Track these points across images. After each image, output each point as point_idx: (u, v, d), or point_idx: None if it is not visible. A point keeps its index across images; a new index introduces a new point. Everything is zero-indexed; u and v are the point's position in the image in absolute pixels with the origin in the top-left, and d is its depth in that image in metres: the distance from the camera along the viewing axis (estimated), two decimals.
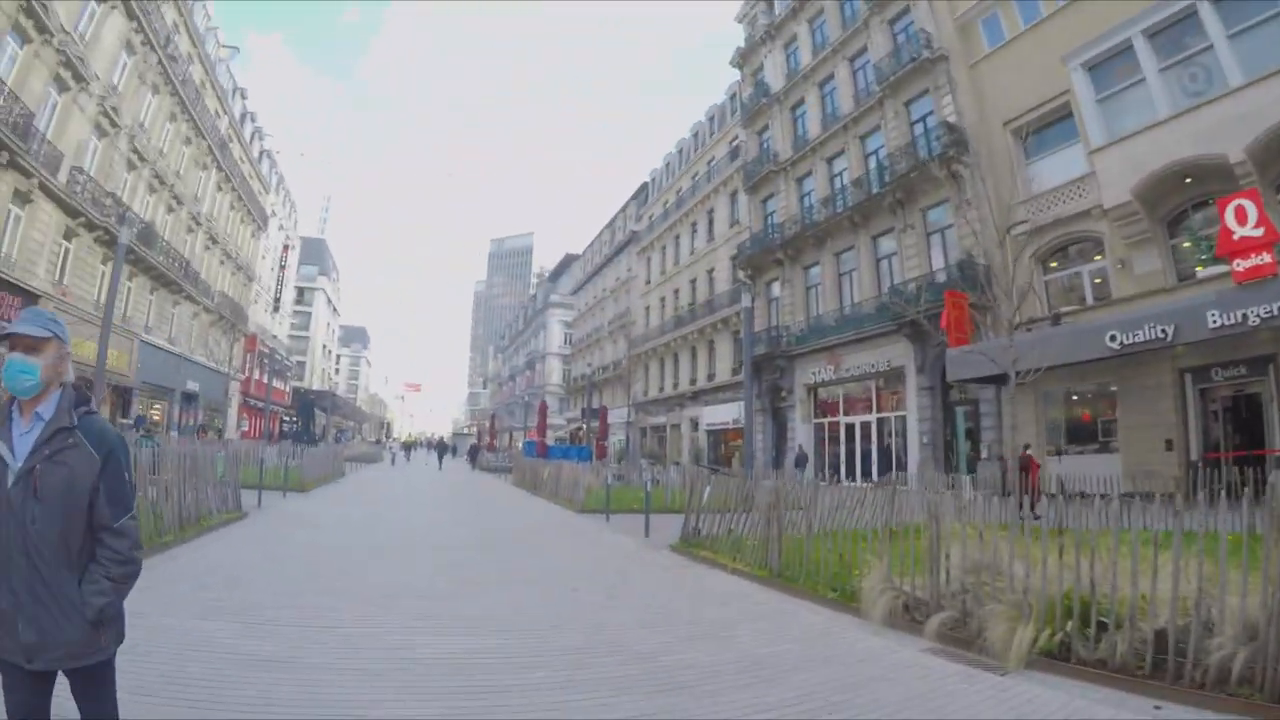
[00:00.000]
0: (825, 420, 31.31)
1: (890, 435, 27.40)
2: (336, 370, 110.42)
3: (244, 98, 46.83)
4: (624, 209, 63.26)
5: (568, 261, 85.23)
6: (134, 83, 29.13)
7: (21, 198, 22.24)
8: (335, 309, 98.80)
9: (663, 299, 50.33)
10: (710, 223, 44.66)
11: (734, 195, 41.81)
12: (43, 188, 22.83)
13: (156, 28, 29.96)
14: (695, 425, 43.23)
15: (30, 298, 22.19)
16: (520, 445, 57.62)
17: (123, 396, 29.84)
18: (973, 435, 24.19)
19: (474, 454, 54.21)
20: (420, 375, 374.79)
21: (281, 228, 60.19)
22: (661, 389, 48.41)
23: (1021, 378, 15.94)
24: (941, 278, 25.00)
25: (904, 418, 26.53)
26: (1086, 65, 20.57)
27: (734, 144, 42.65)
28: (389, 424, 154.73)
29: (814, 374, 31.50)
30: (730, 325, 39.70)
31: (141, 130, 30.11)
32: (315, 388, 74.79)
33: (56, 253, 24.59)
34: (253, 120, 49.29)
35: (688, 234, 47.69)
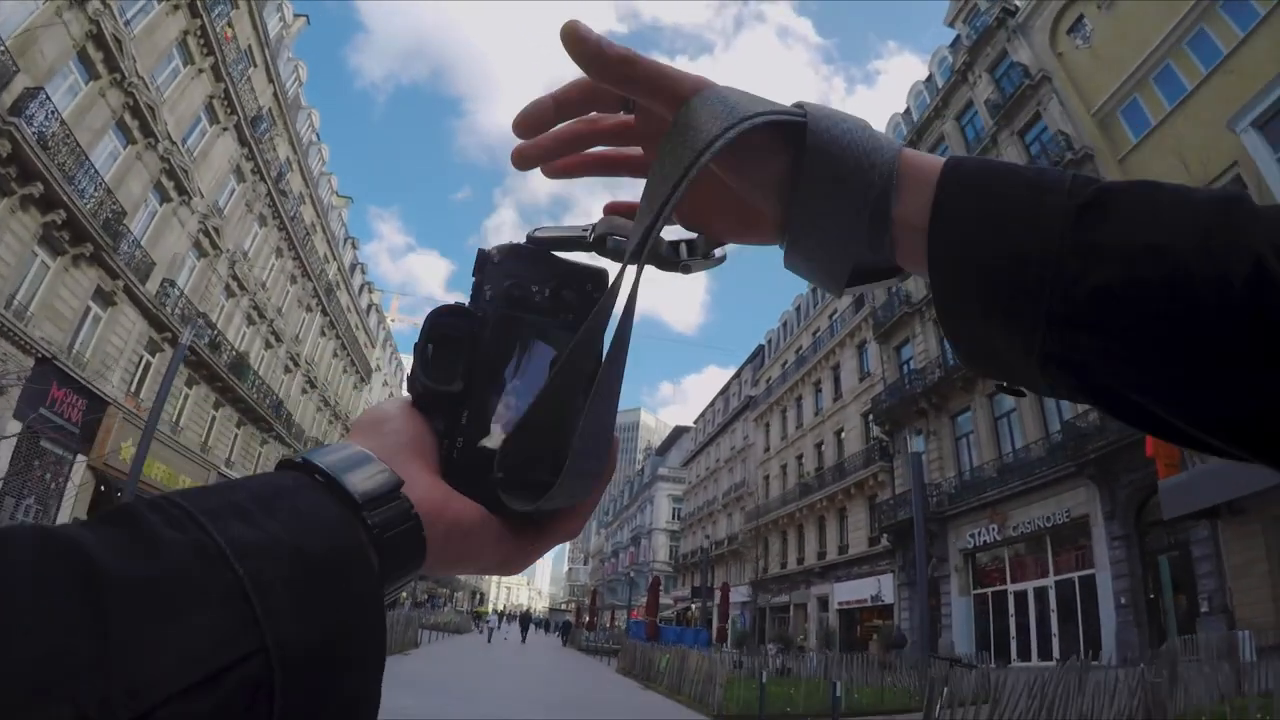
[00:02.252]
0: (988, 590, 26.88)
1: (1075, 600, 22.89)
2: None
3: (355, 247, 48.47)
4: (738, 374, 61.54)
5: (677, 434, 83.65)
6: (240, 209, 29.72)
7: (104, 298, 21.83)
8: None
9: (784, 466, 47.04)
10: (836, 379, 41.96)
11: (861, 347, 39.36)
12: (128, 291, 22.47)
13: (268, 159, 30.90)
14: (824, 604, 38.71)
15: (97, 402, 21.27)
16: (624, 625, 53.87)
17: None
18: (1182, 587, 19.82)
19: (566, 630, 54.34)
20: None
21: (386, 384, 60.82)
22: (784, 564, 44.16)
23: None
24: None
25: (1090, 577, 22.17)
26: (1258, 123, 18.23)
27: (858, 293, 40.54)
28: (482, 594, 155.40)
29: (972, 537, 27.49)
30: (865, 490, 35.96)
31: (244, 258, 30.44)
32: None
33: (135, 363, 23.94)
34: (363, 272, 50.78)
35: (811, 394, 45.05)
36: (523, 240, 0.59)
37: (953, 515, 28.69)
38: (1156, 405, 0.44)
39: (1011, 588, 25.63)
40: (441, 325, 0.55)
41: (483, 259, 0.58)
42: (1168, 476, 18.27)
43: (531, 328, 0.56)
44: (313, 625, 0.33)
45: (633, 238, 0.52)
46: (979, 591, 27.30)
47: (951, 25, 33.81)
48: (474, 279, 0.58)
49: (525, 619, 55.74)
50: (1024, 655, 23.79)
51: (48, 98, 17.78)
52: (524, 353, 0.56)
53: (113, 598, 0.28)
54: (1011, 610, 25.41)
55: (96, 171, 20.04)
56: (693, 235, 0.62)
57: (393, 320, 67.25)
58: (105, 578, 0.28)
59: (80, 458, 20.97)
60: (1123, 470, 20.91)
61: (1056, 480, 23.56)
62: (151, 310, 23.71)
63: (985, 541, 26.84)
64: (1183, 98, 21.36)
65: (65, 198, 18.59)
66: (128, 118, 21.54)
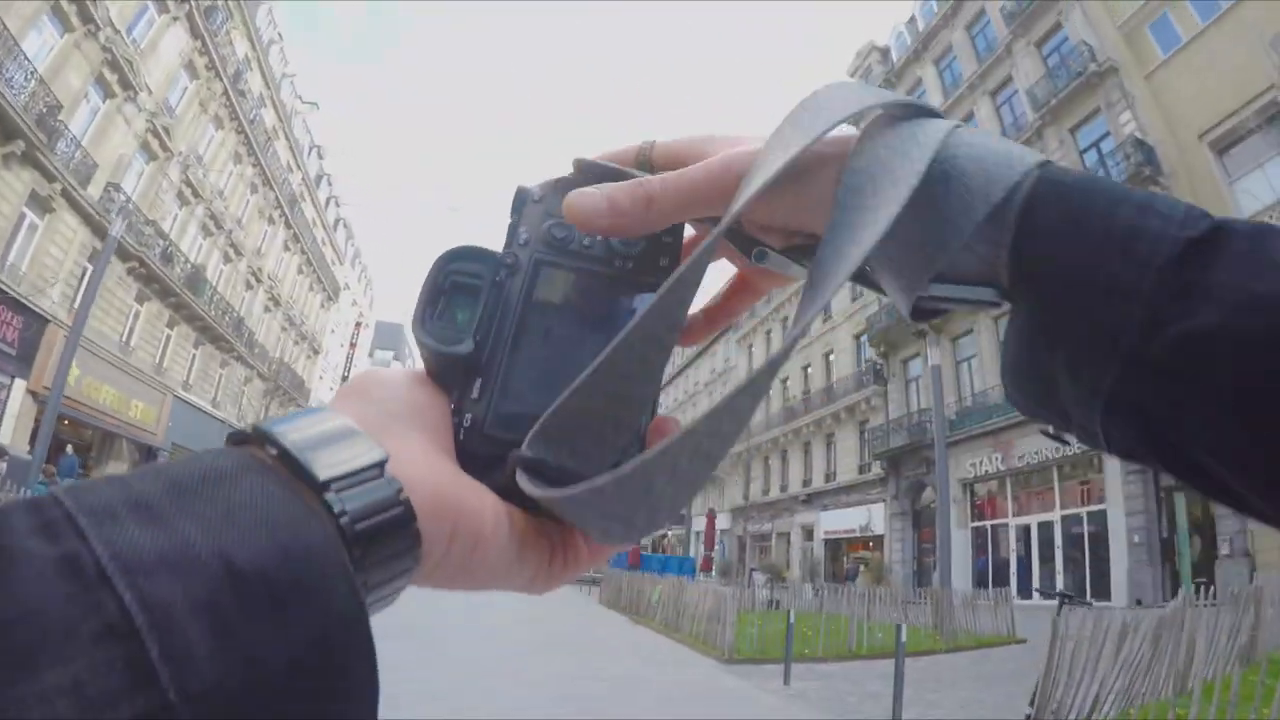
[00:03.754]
0: (987, 523, 26.22)
1: (1083, 537, 22.19)
2: None
3: (321, 157, 45.61)
4: None
5: None
6: (193, 108, 27.33)
7: (40, 204, 19.76)
8: None
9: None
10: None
11: None
12: (66, 196, 20.38)
13: (224, 54, 28.40)
14: (809, 534, 38.21)
15: (36, 320, 19.48)
16: None
17: (146, 457, 26.90)
18: (1200, 527, 19.20)
19: None
20: None
21: (355, 303, 58.78)
22: (766, 491, 43.59)
23: None
24: None
25: (1101, 512, 21.46)
26: None
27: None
28: None
29: (972, 466, 26.66)
30: (856, 414, 35.06)
31: (198, 162, 28.12)
32: None
33: (78, 276, 21.81)
34: (329, 184, 48.14)
35: None
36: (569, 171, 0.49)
37: (952, 443, 27.66)
38: (1225, 469, 0.39)
39: (1013, 521, 24.94)
40: (453, 270, 0.45)
41: (521, 198, 0.47)
42: None
43: (575, 279, 0.46)
44: (248, 664, 0.23)
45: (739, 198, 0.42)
46: (977, 524, 26.63)
47: None
48: (510, 222, 0.47)
49: None
50: (1024, 594, 23.20)
51: None
52: (561, 311, 0.45)
53: None
54: (1012, 545, 24.75)
55: (28, 59, 17.87)
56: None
57: (365, 254, 64.74)
58: None
59: (19, 381, 19.24)
60: None
61: None
62: (95, 217, 21.55)
63: (986, 471, 26.07)
64: (1218, 15, 20.18)
65: None
66: (64, 1, 19.23)
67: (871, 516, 32.35)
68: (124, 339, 24.28)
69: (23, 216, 19.23)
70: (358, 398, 0.40)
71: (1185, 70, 21.05)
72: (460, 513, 0.37)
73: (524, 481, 0.40)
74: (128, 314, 24.59)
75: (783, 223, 0.47)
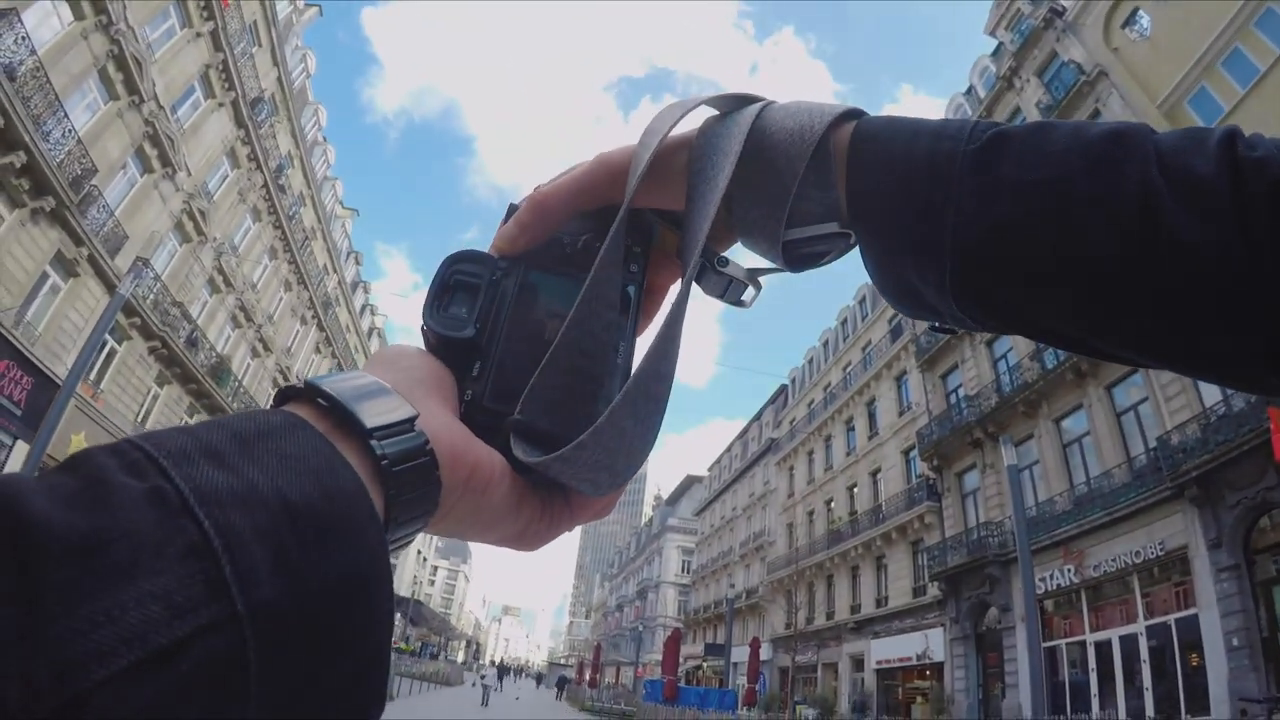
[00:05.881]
0: (1061, 641, 24.04)
1: (1172, 646, 20.08)
2: (432, 580, 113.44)
3: (358, 263, 46.28)
4: (759, 416, 58.89)
5: (688, 484, 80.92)
6: (232, 196, 27.66)
7: (65, 266, 19.58)
8: None
9: (811, 512, 44.19)
10: (871, 416, 39.39)
11: (901, 378, 36.94)
12: (93, 263, 20.20)
13: (267, 149, 28.97)
14: (859, 664, 35.59)
15: (48, 384, 18.95)
16: (629, 682, 50.40)
17: None
18: None
19: (562, 684, 58.46)
20: (521, 599, 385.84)
21: None
22: (811, 620, 41.06)
23: None
24: (1220, 410, 19.40)
25: (1192, 618, 19.46)
26: None
27: (895, 321, 38.42)
28: (480, 645, 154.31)
29: (1041, 581, 24.70)
30: (908, 534, 33.09)
31: (233, 251, 28.26)
32: (401, 594, 70.50)
33: (98, 349, 21.52)
34: (365, 291, 48.64)
35: (842, 433, 42.41)
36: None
37: (1016, 559, 25.96)
38: (1062, 324, 0.48)
39: (1091, 637, 22.78)
40: (457, 271, 0.53)
41: (512, 211, 0.56)
42: None
43: (558, 280, 0.54)
44: (298, 585, 0.28)
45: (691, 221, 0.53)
46: (1049, 644, 24.38)
47: (992, 34, 32.39)
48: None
49: (502, 669, 56.69)
50: (1110, 714, 20.95)
51: (21, 23, 15.96)
52: (547, 306, 0.53)
53: (45, 558, 0.23)
54: (1092, 663, 22.53)
55: (68, 117, 18.00)
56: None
57: None
58: (38, 533, 0.24)
59: (21, 444, 18.58)
60: (1228, 489, 18.50)
61: (1146, 508, 20.99)
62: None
63: (1058, 585, 24.08)
64: (1256, 79, 20.21)
65: (28, 138, 16.53)
66: (111, 69, 19.60)
67: (929, 642, 30.00)
68: (139, 420, 23.66)
69: (45, 276, 19.01)
70: (387, 365, 0.47)
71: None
72: (475, 464, 0.44)
73: (518, 449, 0.47)
74: (146, 394, 24.07)
75: (661, 203, 0.56)
